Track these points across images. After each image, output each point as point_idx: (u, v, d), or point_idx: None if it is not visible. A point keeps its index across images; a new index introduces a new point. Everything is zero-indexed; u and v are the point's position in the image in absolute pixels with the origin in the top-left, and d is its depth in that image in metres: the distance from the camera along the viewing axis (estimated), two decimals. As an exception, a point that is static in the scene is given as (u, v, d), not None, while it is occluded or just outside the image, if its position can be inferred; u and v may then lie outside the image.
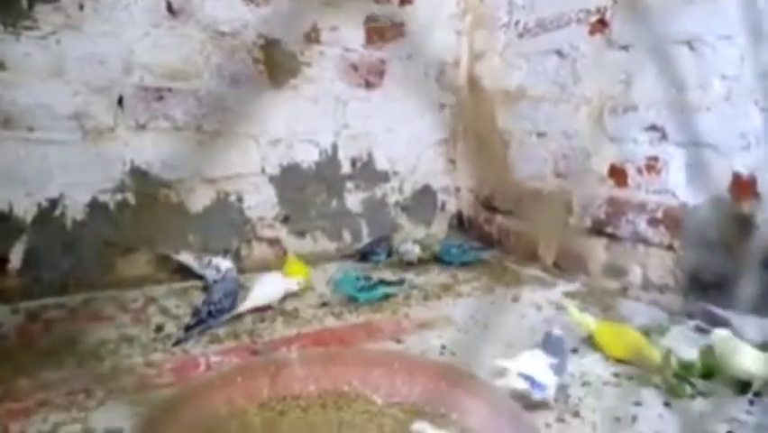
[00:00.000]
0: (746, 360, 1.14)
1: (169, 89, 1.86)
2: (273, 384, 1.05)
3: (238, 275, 1.72)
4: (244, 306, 1.52)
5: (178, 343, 1.34)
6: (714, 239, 1.52)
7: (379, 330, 1.46)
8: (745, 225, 1.46)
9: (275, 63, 2.03)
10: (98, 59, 1.74)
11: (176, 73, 1.87)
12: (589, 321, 1.35)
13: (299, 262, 1.88)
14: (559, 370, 1.07)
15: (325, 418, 1.00)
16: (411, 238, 2.18)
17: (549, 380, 1.05)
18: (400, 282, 1.77)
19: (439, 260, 2.10)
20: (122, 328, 1.43)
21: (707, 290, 1.50)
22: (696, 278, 1.57)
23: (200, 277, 1.80)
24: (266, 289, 1.59)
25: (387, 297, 1.68)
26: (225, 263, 1.82)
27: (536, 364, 1.06)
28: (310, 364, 1.09)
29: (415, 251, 2.05)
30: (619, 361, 1.26)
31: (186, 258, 1.85)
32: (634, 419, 1.05)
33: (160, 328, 1.42)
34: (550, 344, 1.10)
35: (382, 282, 1.71)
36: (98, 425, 0.99)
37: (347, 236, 2.27)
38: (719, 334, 1.20)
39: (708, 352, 1.21)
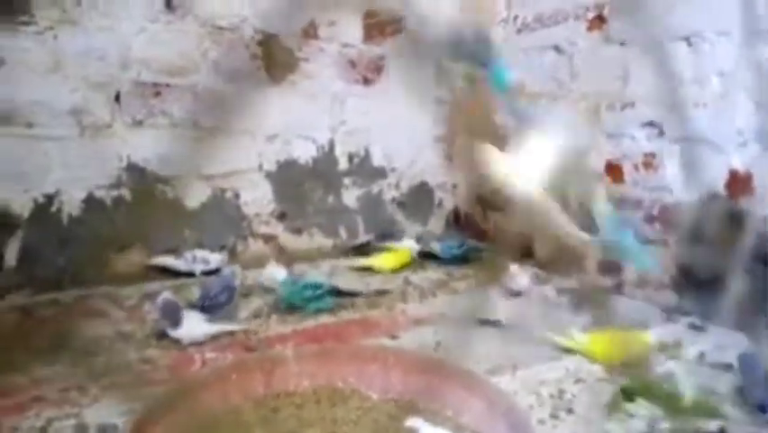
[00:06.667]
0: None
1: (167, 85, 1.86)
2: (268, 381, 1.05)
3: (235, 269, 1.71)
4: None
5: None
6: (710, 236, 1.52)
7: (375, 326, 1.46)
8: (741, 221, 1.46)
9: (273, 59, 2.03)
10: (96, 54, 1.74)
11: (173, 69, 1.86)
12: (580, 339, 1.29)
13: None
14: None
15: (320, 414, 1.00)
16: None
17: None
18: (354, 294, 1.67)
19: (436, 257, 2.10)
20: (117, 325, 1.43)
21: (702, 287, 1.50)
22: (691, 275, 1.57)
23: (193, 274, 1.80)
24: None
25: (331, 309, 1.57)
26: (214, 256, 1.84)
27: None
28: (305, 361, 1.09)
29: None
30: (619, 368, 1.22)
31: (165, 261, 1.83)
32: (628, 415, 1.05)
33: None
34: None
35: (332, 292, 1.62)
36: (92, 421, 0.99)
37: (343, 233, 2.27)
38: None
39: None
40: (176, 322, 1.31)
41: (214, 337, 1.34)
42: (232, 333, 1.38)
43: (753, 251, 1.39)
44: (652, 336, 1.31)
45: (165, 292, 1.36)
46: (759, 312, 1.35)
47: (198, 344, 1.31)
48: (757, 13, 1.39)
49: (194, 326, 1.32)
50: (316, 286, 1.60)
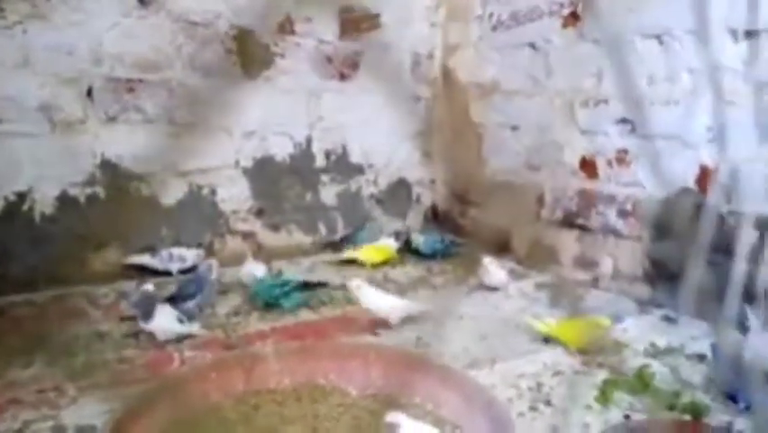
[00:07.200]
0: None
1: (140, 80, 1.83)
2: (248, 379, 1.05)
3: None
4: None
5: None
6: (680, 230, 1.55)
7: (355, 323, 1.47)
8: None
9: (248, 54, 2.01)
10: (66, 49, 1.70)
11: (147, 64, 1.84)
12: (551, 325, 1.35)
13: None
14: None
15: (300, 411, 1.00)
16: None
17: None
18: (323, 285, 1.69)
19: (416, 252, 2.12)
20: (93, 324, 1.41)
21: (674, 280, 1.53)
22: (663, 268, 1.60)
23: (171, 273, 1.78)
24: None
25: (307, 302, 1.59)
26: (191, 253, 1.82)
27: None
28: (285, 358, 1.10)
29: None
30: (582, 352, 1.28)
31: (141, 259, 1.81)
32: (604, 406, 1.07)
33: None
34: None
35: (299, 287, 1.60)
36: (70, 422, 0.97)
37: (322, 229, 2.27)
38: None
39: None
40: (147, 314, 1.29)
41: (190, 336, 1.33)
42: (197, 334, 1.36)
43: (715, 242, 1.43)
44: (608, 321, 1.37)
45: (148, 285, 1.34)
46: (722, 303, 1.38)
47: (172, 341, 1.30)
48: (707, 13, 1.41)
49: (163, 321, 1.30)
50: (284, 283, 1.60)
